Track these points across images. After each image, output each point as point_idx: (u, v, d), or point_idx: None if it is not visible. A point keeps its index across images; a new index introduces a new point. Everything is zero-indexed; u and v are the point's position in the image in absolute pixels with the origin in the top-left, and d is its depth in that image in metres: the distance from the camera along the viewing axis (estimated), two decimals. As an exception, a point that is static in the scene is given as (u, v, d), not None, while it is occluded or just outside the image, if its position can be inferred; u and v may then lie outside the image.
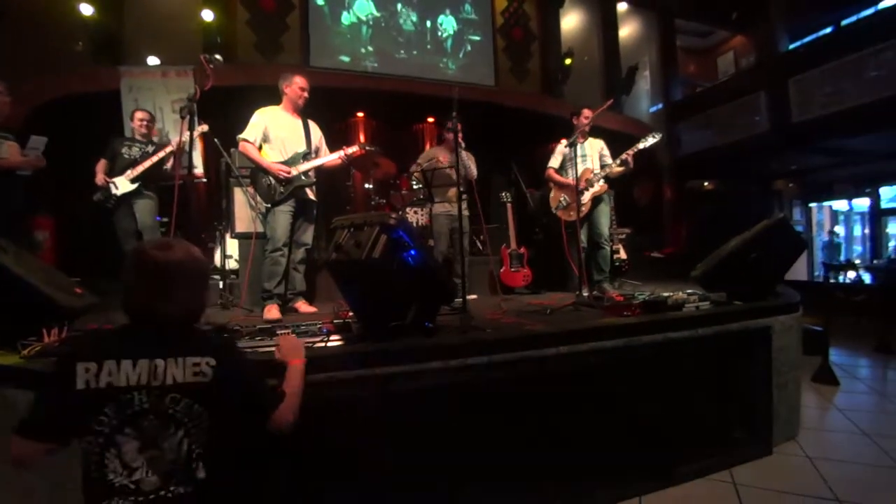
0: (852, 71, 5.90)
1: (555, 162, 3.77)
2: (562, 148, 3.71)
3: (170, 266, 1.09)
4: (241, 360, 1.26)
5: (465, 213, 3.75)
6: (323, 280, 3.66)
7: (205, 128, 3.36)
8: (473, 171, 3.75)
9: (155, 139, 3.93)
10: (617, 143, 3.76)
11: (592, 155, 3.68)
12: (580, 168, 3.59)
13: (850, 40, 6.12)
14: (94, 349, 1.07)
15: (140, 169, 3.39)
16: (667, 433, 2.20)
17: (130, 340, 1.09)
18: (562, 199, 3.71)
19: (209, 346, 1.14)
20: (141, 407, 1.05)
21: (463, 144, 3.70)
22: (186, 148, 2.78)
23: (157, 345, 1.09)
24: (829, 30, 7.71)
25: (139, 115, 3.67)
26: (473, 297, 3.73)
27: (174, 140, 3.46)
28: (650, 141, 3.41)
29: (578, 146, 3.65)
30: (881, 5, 6.89)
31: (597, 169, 3.64)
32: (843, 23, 7.54)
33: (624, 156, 3.46)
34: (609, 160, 3.65)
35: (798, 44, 7.46)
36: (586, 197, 3.55)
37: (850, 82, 5.92)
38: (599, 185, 3.58)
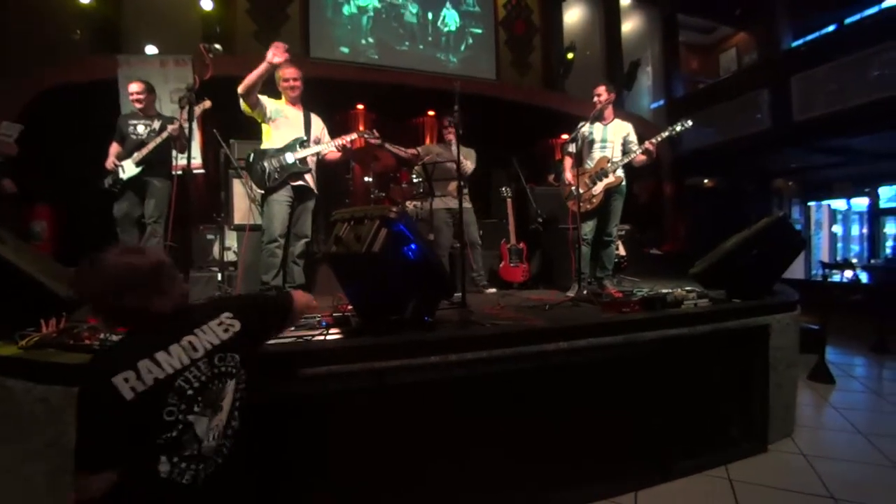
0: (855, 70, 5.87)
1: (572, 147, 3.40)
2: (581, 131, 3.36)
3: (155, 268, 1.15)
4: (239, 296, 1.44)
5: (468, 205, 3.77)
6: (322, 273, 3.66)
7: (207, 104, 3.12)
8: (468, 165, 3.74)
9: (160, 111, 3.74)
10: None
11: (614, 141, 3.42)
12: (597, 156, 3.41)
13: (853, 39, 6.08)
14: (120, 359, 1.06)
15: (145, 151, 3.27)
16: (663, 429, 2.21)
17: (148, 338, 1.11)
18: (574, 189, 3.32)
19: (214, 307, 1.27)
20: (199, 381, 1.10)
21: (454, 139, 3.71)
22: (186, 131, 2.71)
23: (176, 329, 1.14)
24: (832, 28, 7.66)
25: (132, 87, 3.43)
26: (493, 290, 3.75)
27: (175, 122, 3.34)
28: (678, 128, 3.19)
29: (601, 129, 3.43)
30: (885, 4, 6.83)
31: (616, 157, 3.39)
32: (847, 21, 7.48)
33: (647, 144, 3.24)
34: (635, 147, 3.37)
35: (801, 41, 7.41)
36: (599, 188, 3.34)
37: (853, 81, 5.88)
38: (614, 176, 3.33)
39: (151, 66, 5.16)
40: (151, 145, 3.28)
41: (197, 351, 1.12)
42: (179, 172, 3.32)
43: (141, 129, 3.39)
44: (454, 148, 3.62)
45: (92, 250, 1.13)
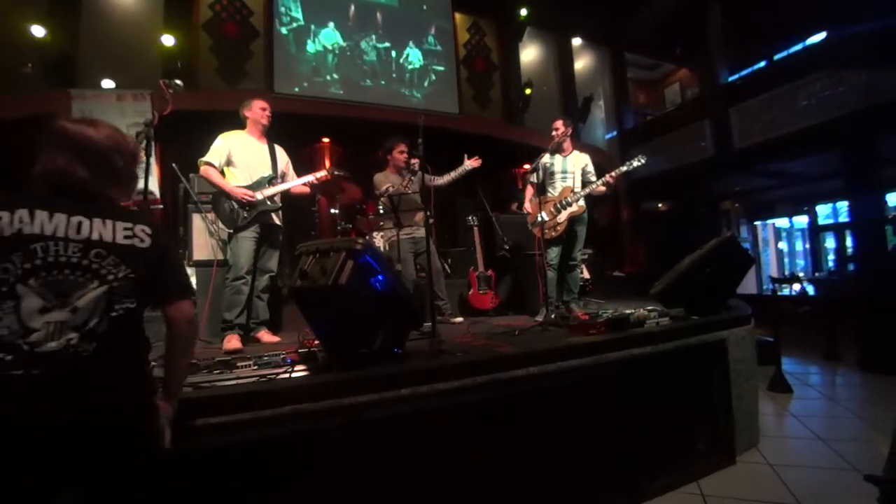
0: (785, 100, 6.44)
1: (533, 177, 3.57)
2: (541, 161, 3.54)
3: (90, 142, 1.09)
4: (170, 239, 1.25)
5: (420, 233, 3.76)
6: (288, 309, 3.55)
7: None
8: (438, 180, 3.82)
9: None
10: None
11: (575, 171, 3.59)
12: (559, 186, 3.55)
13: (782, 73, 6.71)
14: (6, 199, 1.00)
15: None
16: (635, 449, 2.23)
17: (44, 197, 1.04)
18: (539, 216, 3.45)
19: (140, 216, 1.13)
20: (55, 258, 0.99)
21: (416, 168, 3.76)
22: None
23: (75, 203, 1.05)
24: (763, 63, 8.43)
25: None
26: (459, 319, 3.73)
27: None
28: (635, 164, 3.38)
29: (561, 161, 3.59)
30: (808, 41, 7.57)
31: (578, 187, 3.56)
32: (776, 57, 8.26)
33: (607, 177, 3.43)
34: (593, 177, 3.58)
35: (736, 76, 8.09)
36: (563, 216, 3.48)
37: (784, 111, 6.45)
38: (578, 206, 3.49)
39: (107, 100, 5.03)
40: None
41: (79, 233, 1.03)
42: (136, 208, 3.20)
43: None
44: (423, 174, 3.69)
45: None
